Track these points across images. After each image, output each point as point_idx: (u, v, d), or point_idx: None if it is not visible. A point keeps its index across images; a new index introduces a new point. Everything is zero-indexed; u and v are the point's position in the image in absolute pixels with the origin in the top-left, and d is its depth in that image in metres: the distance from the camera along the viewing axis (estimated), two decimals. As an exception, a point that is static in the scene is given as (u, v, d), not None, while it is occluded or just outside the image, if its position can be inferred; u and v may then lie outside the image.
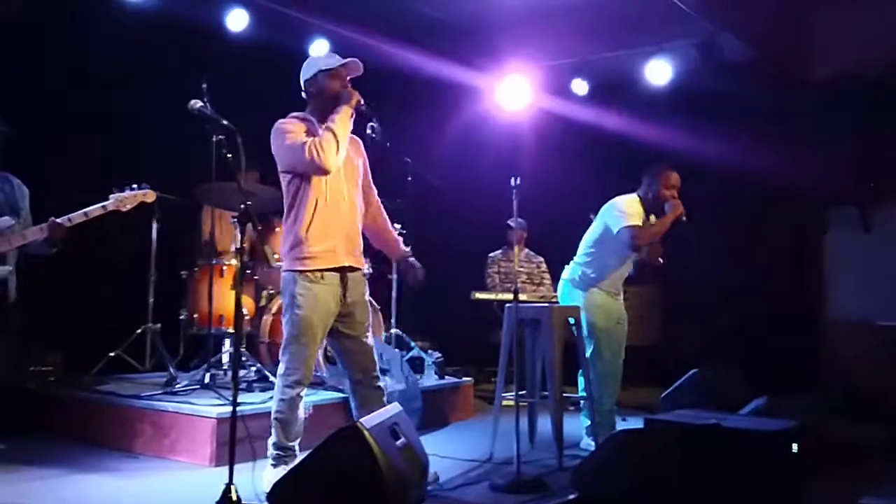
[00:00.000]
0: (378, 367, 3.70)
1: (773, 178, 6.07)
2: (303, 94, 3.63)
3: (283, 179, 3.52)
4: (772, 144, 6.18)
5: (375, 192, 3.82)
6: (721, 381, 4.67)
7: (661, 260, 4.64)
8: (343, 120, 3.42)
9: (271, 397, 4.39)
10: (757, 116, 6.32)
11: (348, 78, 3.57)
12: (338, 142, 3.36)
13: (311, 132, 3.45)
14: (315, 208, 3.43)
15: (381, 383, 3.68)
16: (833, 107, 6.40)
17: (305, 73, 3.58)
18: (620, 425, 4.72)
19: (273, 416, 3.47)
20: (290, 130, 3.43)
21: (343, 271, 3.50)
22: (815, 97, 6.52)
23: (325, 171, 3.37)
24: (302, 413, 3.52)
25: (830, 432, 4.43)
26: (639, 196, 4.60)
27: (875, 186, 6.28)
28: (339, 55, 3.66)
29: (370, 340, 3.66)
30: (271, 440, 3.49)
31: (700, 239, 4.53)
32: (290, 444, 3.47)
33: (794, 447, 3.44)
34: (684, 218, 4.49)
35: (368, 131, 3.77)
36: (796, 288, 6.59)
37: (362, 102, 3.51)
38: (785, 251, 6.57)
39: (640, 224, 4.47)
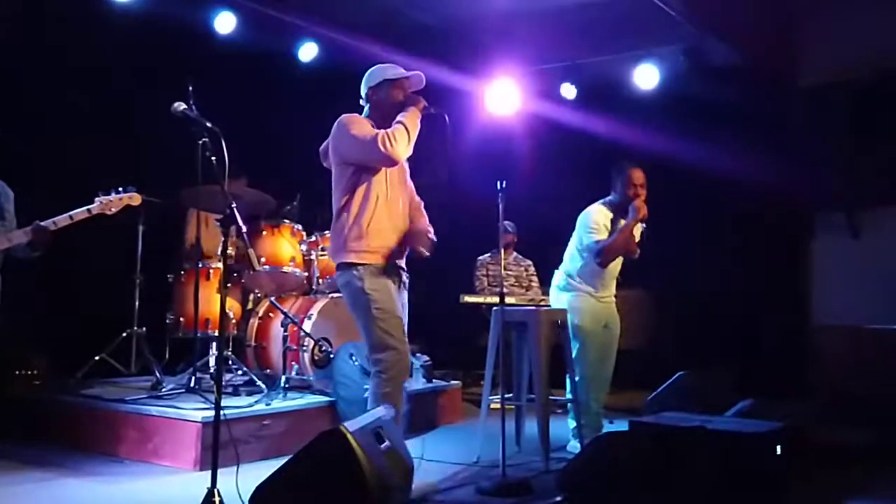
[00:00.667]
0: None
1: (760, 182, 6.10)
2: (361, 102, 3.68)
3: (342, 171, 3.52)
4: (760, 149, 6.20)
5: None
6: (707, 384, 4.67)
7: (637, 252, 4.62)
8: (413, 117, 3.49)
9: (257, 401, 4.43)
10: (744, 121, 6.35)
11: (410, 91, 3.63)
12: (409, 134, 3.43)
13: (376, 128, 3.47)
14: (377, 204, 3.48)
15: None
16: (821, 112, 6.44)
17: (371, 81, 3.62)
18: (607, 428, 4.73)
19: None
20: (358, 122, 3.51)
21: (399, 270, 3.57)
22: (803, 102, 6.56)
23: (394, 162, 3.44)
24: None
25: (816, 435, 4.45)
26: (608, 202, 4.63)
27: (863, 192, 6.31)
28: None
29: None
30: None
31: (651, 240, 4.57)
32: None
33: (778, 449, 3.44)
34: (644, 226, 4.55)
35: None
36: (784, 292, 6.62)
37: (427, 106, 3.57)
38: (773, 255, 6.60)
39: (605, 237, 4.51)
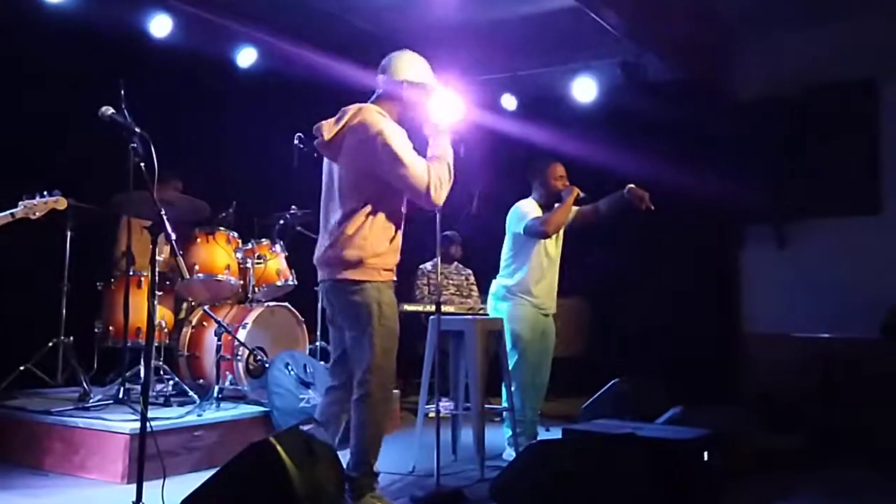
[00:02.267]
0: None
1: (692, 195, 6.24)
2: (379, 81, 3.36)
3: (366, 181, 3.25)
4: (693, 163, 6.35)
5: None
6: (640, 392, 4.77)
7: (647, 205, 4.63)
8: (449, 150, 3.33)
9: (189, 412, 4.34)
10: (678, 135, 6.50)
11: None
12: (451, 181, 3.27)
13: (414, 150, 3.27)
14: (392, 220, 3.33)
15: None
16: (752, 127, 6.63)
17: (412, 75, 3.36)
18: (543, 435, 4.77)
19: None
20: (404, 144, 3.21)
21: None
22: (735, 117, 6.75)
23: (432, 208, 3.30)
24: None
25: (745, 442, 4.56)
26: (533, 199, 4.70)
27: (790, 205, 6.52)
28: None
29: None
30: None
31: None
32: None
33: (706, 455, 3.52)
34: (582, 195, 4.58)
35: (296, 141, 3.70)
36: (715, 301, 6.78)
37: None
38: (704, 265, 6.76)
39: (541, 215, 4.56)
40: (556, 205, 4.59)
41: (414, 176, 3.17)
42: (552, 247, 4.70)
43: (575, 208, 4.65)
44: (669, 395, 4.85)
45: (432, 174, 3.19)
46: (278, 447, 2.73)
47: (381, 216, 3.29)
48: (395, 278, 3.41)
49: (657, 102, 6.38)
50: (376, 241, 3.28)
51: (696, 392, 5.01)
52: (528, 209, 4.63)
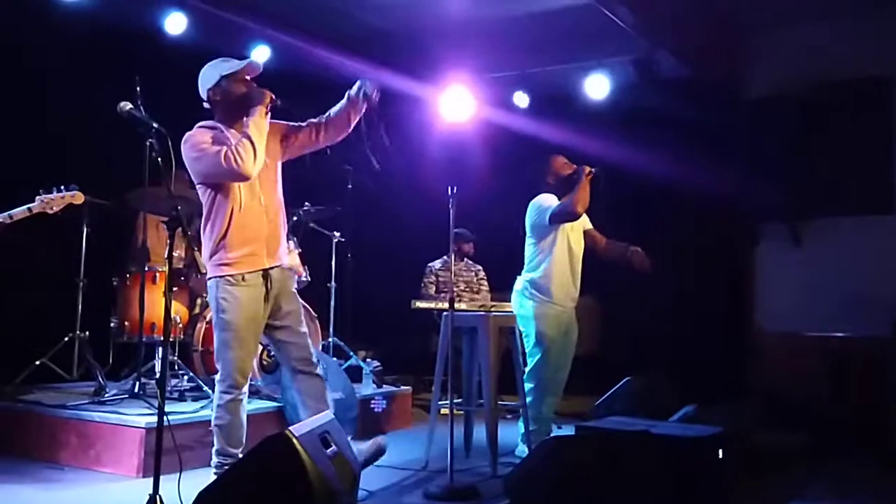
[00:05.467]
0: (315, 357, 3.65)
1: (707, 192, 6.22)
2: (205, 104, 3.55)
3: (199, 190, 3.49)
4: (707, 160, 6.33)
5: (303, 124, 3.67)
6: (653, 390, 4.76)
7: (644, 269, 4.71)
8: (258, 122, 3.38)
9: (203, 406, 4.37)
10: (692, 132, 6.48)
11: (249, 79, 3.53)
12: (254, 147, 3.32)
13: (218, 140, 3.40)
14: (231, 215, 3.40)
15: (320, 371, 3.61)
16: (765, 124, 6.61)
17: (207, 82, 3.51)
18: (555, 433, 4.77)
19: (213, 422, 3.45)
20: (200, 142, 3.40)
21: (265, 272, 3.47)
22: (749, 114, 6.72)
23: (245, 178, 3.35)
24: (244, 419, 3.48)
25: (757, 439, 4.56)
26: (548, 193, 4.66)
27: (804, 202, 6.49)
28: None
29: (303, 328, 3.61)
30: (214, 448, 3.46)
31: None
32: (234, 450, 3.43)
33: (720, 453, 3.52)
34: (593, 169, 4.53)
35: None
36: (728, 299, 6.76)
37: (274, 99, 3.46)
38: (717, 263, 6.74)
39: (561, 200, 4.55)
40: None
41: (205, 153, 3.34)
42: (575, 241, 4.66)
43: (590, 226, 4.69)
44: (682, 393, 4.84)
45: (224, 148, 3.30)
46: (294, 440, 2.75)
47: (216, 216, 3.45)
48: (239, 271, 3.42)
49: (670, 99, 6.36)
50: (215, 242, 3.47)
51: (708, 390, 5.00)
52: (549, 200, 4.57)
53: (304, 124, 3.64)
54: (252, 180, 3.41)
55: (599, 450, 3.32)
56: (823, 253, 6.48)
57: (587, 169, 4.52)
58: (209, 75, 3.52)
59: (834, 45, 6.32)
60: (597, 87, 6.80)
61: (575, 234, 4.67)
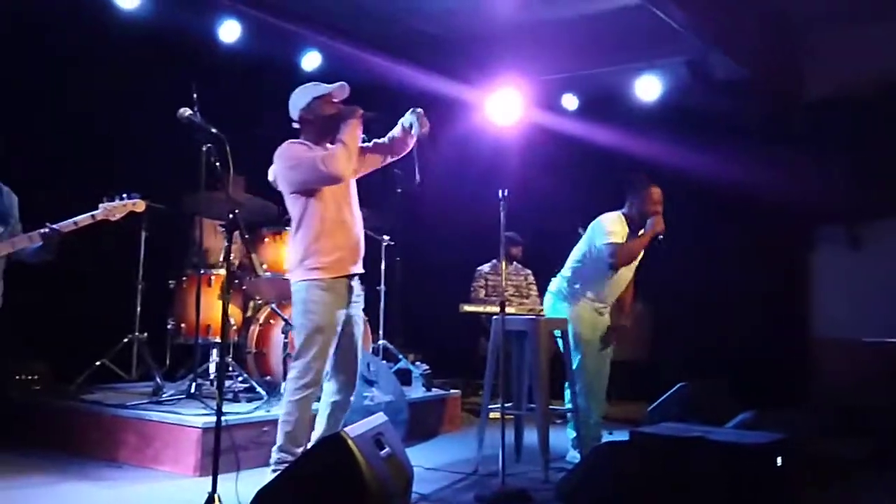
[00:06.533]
0: (357, 378, 3.74)
1: (762, 195, 6.12)
2: (294, 125, 3.73)
3: (291, 199, 3.63)
4: (761, 162, 6.23)
5: (370, 145, 3.84)
6: (708, 396, 4.68)
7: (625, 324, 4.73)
8: (352, 131, 3.58)
9: (257, 407, 4.44)
10: (747, 134, 6.38)
11: (337, 101, 3.71)
12: (348, 150, 3.54)
13: (310, 151, 3.58)
14: (322, 223, 3.56)
15: (352, 398, 3.72)
16: (824, 126, 6.47)
17: (299, 103, 3.70)
18: (606, 438, 4.72)
19: (281, 419, 3.51)
20: (294, 149, 3.60)
21: (349, 281, 3.64)
22: (806, 116, 6.59)
23: (337, 179, 3.53)
24: (311, 420, 3.56)
25: (816, 447, 4.45)
26: (623, 214, 4.63)
27: (863, 205, 6.34)
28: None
29: (360, 343, 3.75)
30: (276, 445, 3.51)
31: (668, 253, 4.55)
32: (296, 449, 3.48)
33: (779, 461, 3.44)
34: (661, 237, 4.52)
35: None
36: (784, 303, 6.63)
37: (364, 113, 3.65)
38: (774, 267, 6.61)
39: (621, 242, 4.52)
40: (641, 232, 4.55)
41: (301, 160, 3.54)
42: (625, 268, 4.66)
43: None
44: (737, 399, 4.75)
45: (319, 153, 3.51)
46: (350, 442, 2.77)
47: (308, 224, 3.59)
48: (328, 275, 3.56)
49: (724, 101, 6.27)
50: (307, 246, 3.60)
51: (763, 396, 4.90)
52: (613, 228, 4.55)
53: (370, 145, 3.83)
54: (339, 192, 3.61)
55: (654, 456, 3.28)
56: (882, 256, 6.31)
57: (659, 229, 4.50)
58: (301, 97, 3.70)
59: (890, 44, 6.15)
60: (648, 88, 6.72)
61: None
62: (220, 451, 3.07)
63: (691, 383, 4.75)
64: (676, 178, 6.48)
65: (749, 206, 6.34)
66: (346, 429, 2.90)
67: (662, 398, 4.75)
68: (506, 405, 4.48)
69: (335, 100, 3.70)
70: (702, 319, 6.65)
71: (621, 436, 4.65)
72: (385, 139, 3.83)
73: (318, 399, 3.66)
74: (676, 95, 6.65)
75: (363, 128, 3.67)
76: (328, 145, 3.59)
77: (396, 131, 3.80)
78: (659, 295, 6.55)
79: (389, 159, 3.88)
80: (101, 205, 4.10)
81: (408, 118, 3.73)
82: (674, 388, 4.75)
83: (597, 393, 4.62)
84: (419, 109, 3.72)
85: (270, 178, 3.74)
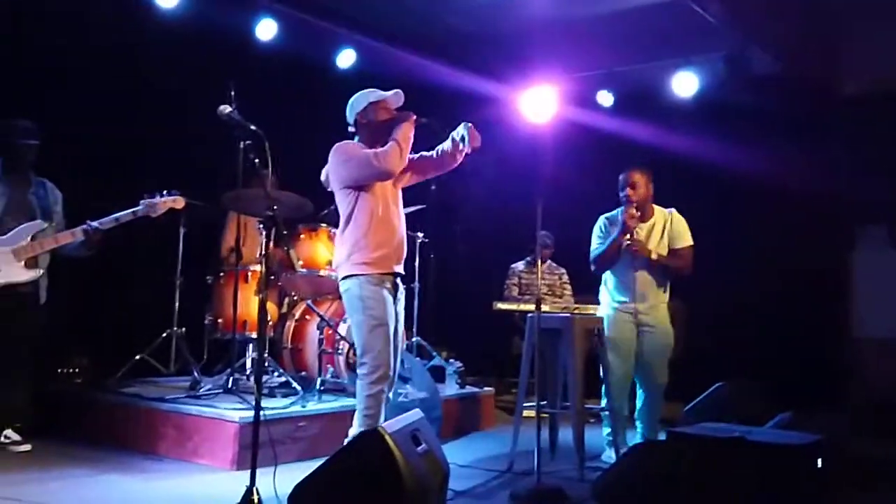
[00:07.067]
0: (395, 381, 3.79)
1: (801, 192, 6.02)
2: (350, 128, 3.83)
3: (341, 194, 3.73)
4: (801, 159, 6.13)
5: (416, 157, 3.90)
6: (746, 396, 4.61)
7: (646, 253, 4.63)
8: (405, 132, 3.68)
9: (293, 403, 4.48)
10: (786, 130, 6.27)
11: (392, 108, 3.81)
12: (401, 148, 3.63)
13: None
14: (371, 219, 3.65)
15: (390, 394, 3.75)
16: (864, 122, 6.34)
17: (357, 107, 3.82)
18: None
19: (363, 414, 3.56)
20: (350, 147, 3.73)
21: (394, 276, 3.71)
22: (846, 112, 6.46)
23: (389, 175, 3.65)
24: (383, 412, 3.60)
25: (856, 449, 4.37)
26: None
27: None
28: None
29: (402, 340, 3.84)
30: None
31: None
32: None
33: (819, 462, 3.39)
34: (629, 236, 4.59)
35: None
36: (824, 303, 6.51)
37: (418, 118, 3.74)
38: (813, 266, 6.49)
39: (595, 248, 4.73)
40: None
41: (356, 156, 3.66)
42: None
43: None
44: (775, 399, 4.68)
45: (371, 151, 3.63)
46: (387, 437, 2.78)
47: (358, 219, 3.70)
48: (379, 270, 3.66)
49: (762, 97, 6.17)
50: (357, 241, 3.69)
51: (802, 397, 4.82)
52: (596, 231, 4.76)
53: (417, 157, 3.89)
54: (388, 192, 3.72)
55: (692, 456, 3.24)
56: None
57: (628, 223, 4.57)
58: (359, 101, 3.83)
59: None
60: (685, 84, 6.64)
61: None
62: (258, 445, 3.10)
63: (729, 383, 4.69)
64: (713, 175, 6.43)
65: (788, 203, 6.24)
66: (382, 424, 2.91)
67: (699, 398, 4.70)
68: (540, 403, 4.47)
69: (391, 106, 3.79)
70: (738, 318, 6.56)
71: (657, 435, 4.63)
72: (433, 153, 3.89)
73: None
74: (714, 91, 6.56)
75: (415, 132, 3.74)
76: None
77: (447, 145, 3.83)
78: (695, 293, 6.47)
79: (435, 173, 3.98)
80: (141, 201, 4.19)
81: (460, 131, 3.77)
82: (711, 389, 4.70)
83: (617, 393, 4.60)
84: (469, 124, 3.76)
85: (322, 177, 3.86)
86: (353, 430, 3.56)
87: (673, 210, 4.77)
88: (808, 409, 4.45)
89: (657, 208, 4.75)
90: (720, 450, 3.28)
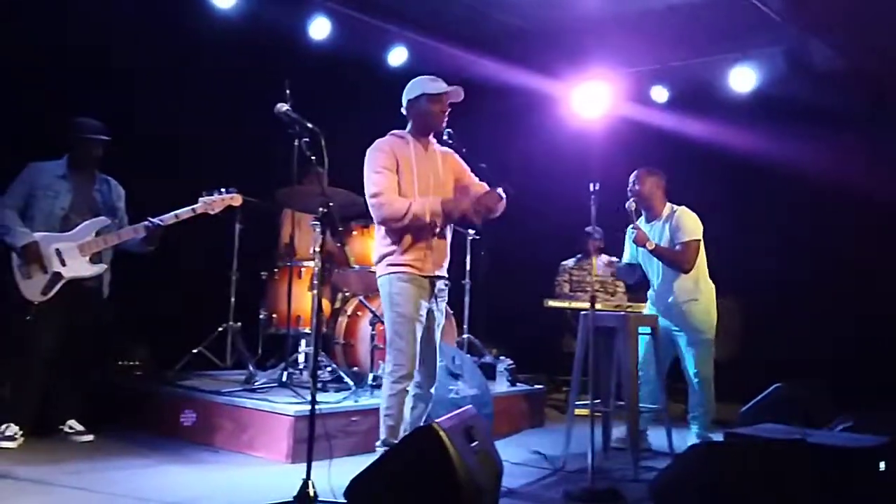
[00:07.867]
0: (439, 371, 3.80)
1: (864, 188, 5.85)
2: (402, 111, 3.79)
3: None
4: (861, 155, 5.95)
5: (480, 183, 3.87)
6: (806, 397, 4.50)
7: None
8: (429, 210, 3.56)
9: (345, 397, 4.52)
10: (845, 126, 6.10)
11: (448, 103, 3.74)
12: (413, 218, 3.54)
13: (391, 158, 3.63)
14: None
15: (433, 391, 3.76)
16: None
17: (410, 93, 3.74)
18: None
19: (382, 413, 3.58)
20: (376, 163, 3.64)
21: (431, 279, 3.67)
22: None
23: (383, 225, 3.63)
24: (407, 413, 3.61)
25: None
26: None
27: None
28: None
29: (439, 337, 3.78)
30: (380, 440, 3.59)
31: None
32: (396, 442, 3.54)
33: (882, 465, 3.29)
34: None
35: (445, 137, 3.83)
36: (887, 301, 6.31)
37: (446, 134, 3.73)
38: (873, 263, 6.31)
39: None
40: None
41: (373, 186, 3.61)
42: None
43: None
44: (836, 400, 4.56)
45: (384, 198, 3.56)
46: (442, 434, 2.79)
47: None
48: (410, 271, 3.62)
49: (823, 91, 6.00)
50: (390, 244, 3.69)
51: (863, 397, 4.69)
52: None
53: (467, 184, 3.85)
54: (428, 193, 3.66)
55: (751, 458, 3.17)
56: None
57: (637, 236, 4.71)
58: (414, 88, 3.75)
59: None
60: (742, 79, 6.51)
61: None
62: (314, 438, 3.13)
63: (787, 383, 4.59)
64: (772, 172, 6.28)
65: (847, 199, 6.07)
66: (437, 420, 2.92)
67: (756, 399, 4.60)
68: (594, 401, 4.42)
69: (449, 101, 3.72)
70: (796, 316, 6.41)
71: (714, 437, 4.55)
72: (483, 191, 3.80)
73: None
74: (773, 86, 6.41)
75: (438, 142, 3.74)
76: (432, 139, 3.72)
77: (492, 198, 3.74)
78: (751, 291, 6.34)
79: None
80: (200, 199, 4.27)
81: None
82: (769, 389, 4.60)
83: (647, 391, 4.60)
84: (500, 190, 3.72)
85: None
86: (381, 433, 3.58)
87: (682, 207, 4.77)
88: (868, 410, 4.32)
89: (668, 205, 4.81)
90: (780, 452, 3.20)
